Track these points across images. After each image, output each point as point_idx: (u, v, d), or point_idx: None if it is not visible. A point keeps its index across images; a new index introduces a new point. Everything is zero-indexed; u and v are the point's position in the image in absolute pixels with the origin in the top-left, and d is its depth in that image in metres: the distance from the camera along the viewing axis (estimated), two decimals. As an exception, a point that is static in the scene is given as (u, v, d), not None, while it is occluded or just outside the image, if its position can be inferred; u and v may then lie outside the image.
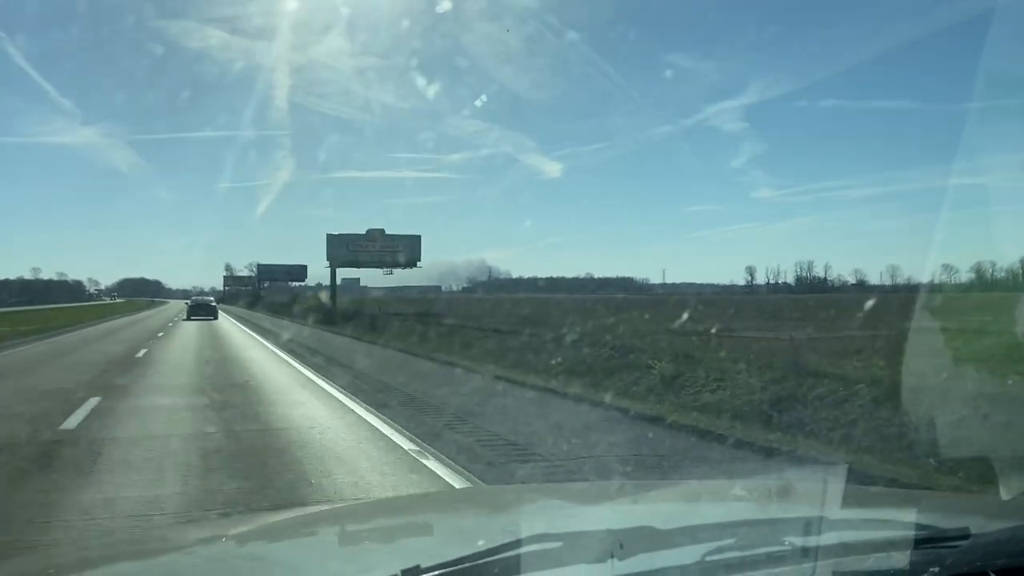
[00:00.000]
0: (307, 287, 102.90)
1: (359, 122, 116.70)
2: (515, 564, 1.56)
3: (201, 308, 49.47)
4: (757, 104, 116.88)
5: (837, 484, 2.20)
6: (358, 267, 57.13)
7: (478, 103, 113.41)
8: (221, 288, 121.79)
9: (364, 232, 54.70)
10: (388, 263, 55.59)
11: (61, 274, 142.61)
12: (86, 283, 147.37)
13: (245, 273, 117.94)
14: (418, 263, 56.46)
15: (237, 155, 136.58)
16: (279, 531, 2.40)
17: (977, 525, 1.73)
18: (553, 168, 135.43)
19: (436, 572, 1.50)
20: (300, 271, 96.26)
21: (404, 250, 55.15)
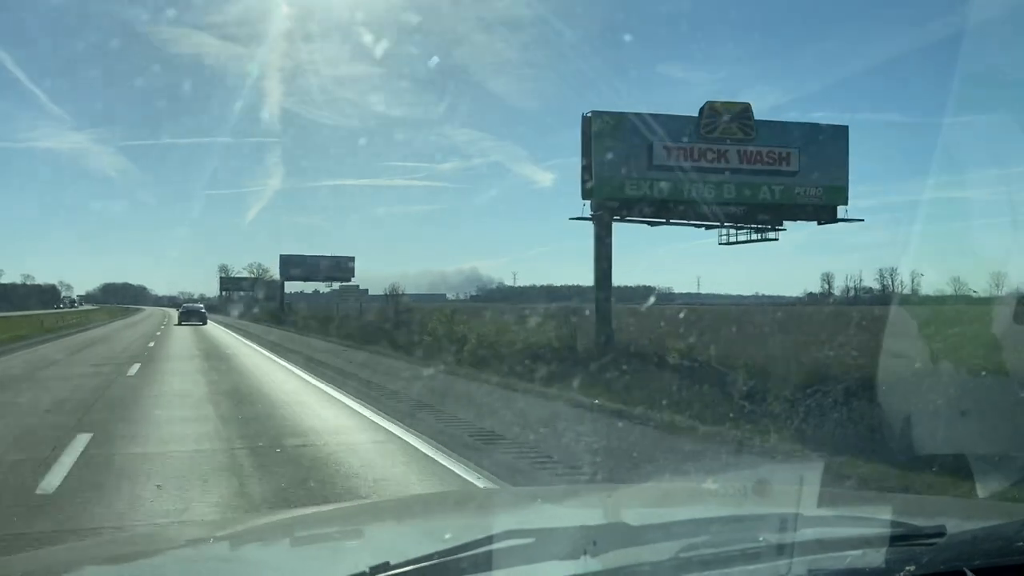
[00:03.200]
0: (311, 293, 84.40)
1: (350, 130, 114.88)
2: (486, 560, 1.54)
3: (191, 315, 52.34)
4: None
5: (813, 482, 2.19)
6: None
7: (469, 112, 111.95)
8: (216, 293, 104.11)
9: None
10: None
11: (28, 276, 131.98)
12: (59, 287, 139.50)
13: (245, 275, 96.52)
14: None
15: (228, 161, 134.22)
16: (259, 533, 2.40)
17: (953, 524, 1.73)
18: (545, 177, 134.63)
19: (406, 568, 1.48)
20: (344, 265, 65.59)
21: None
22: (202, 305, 60.70)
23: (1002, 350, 8.34)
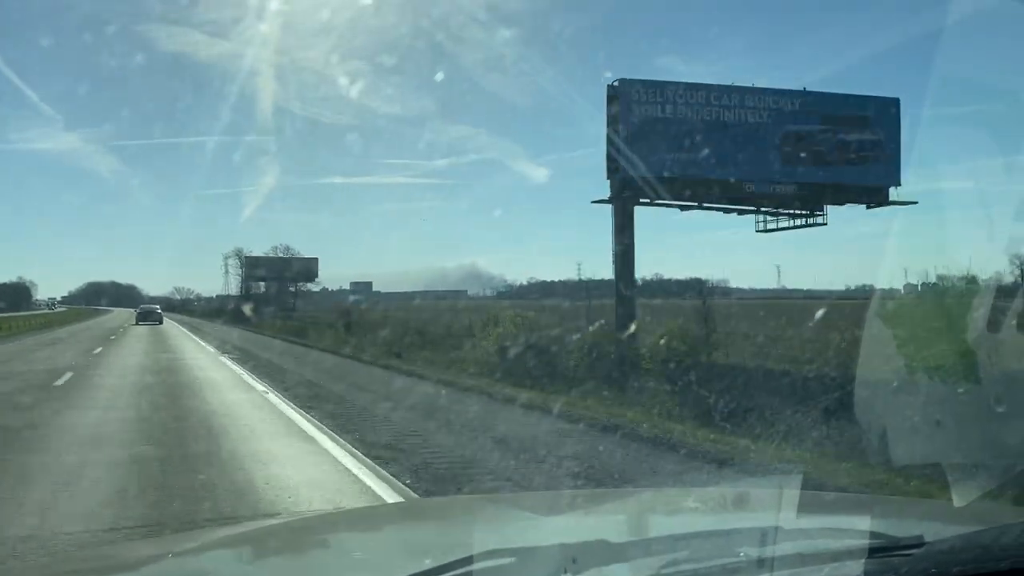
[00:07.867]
0: (324, 292, 72.16)
1: (345, 127, 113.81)
2: None
3: (148, 315, 53.24)
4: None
5: (792, 492, 2.20)
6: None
7: (463, 108, 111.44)
8: (220, 292, 78.55)
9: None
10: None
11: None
12: (28, 286, 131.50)
13: (271, 254, 66.82)
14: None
15: (222, 160, 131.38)
16: (225, 547, 2.35)
17: (931, 532, 1.73)
18: (540, 173, 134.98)
19: None
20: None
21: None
22: (158, 306, 60.53)
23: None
